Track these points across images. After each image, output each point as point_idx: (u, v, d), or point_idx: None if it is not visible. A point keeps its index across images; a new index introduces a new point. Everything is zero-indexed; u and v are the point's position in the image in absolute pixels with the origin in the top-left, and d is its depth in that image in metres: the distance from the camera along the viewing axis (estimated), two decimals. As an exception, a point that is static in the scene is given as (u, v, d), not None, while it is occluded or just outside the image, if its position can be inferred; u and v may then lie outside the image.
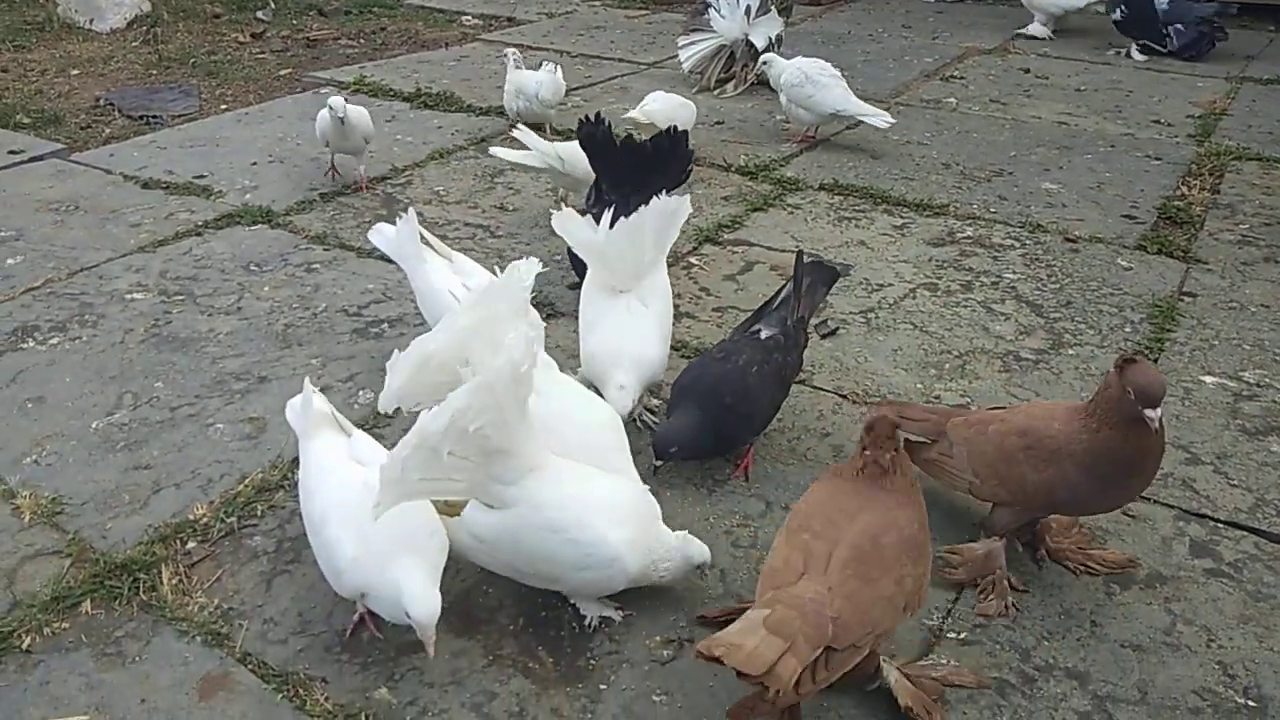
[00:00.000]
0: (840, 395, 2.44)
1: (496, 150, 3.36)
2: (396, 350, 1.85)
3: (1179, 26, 5.34)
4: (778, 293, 2.29)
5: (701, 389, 2.08)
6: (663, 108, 3.80)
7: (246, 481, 2.12)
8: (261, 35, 6.08)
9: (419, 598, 1.59)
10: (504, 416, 1.62)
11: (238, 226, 3.35)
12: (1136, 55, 5.43)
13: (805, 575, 1.49)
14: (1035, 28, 5.77)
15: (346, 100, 3.47)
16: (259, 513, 2.04)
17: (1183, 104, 4.64)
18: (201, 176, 3.76)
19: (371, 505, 1.60)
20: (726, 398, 2.05)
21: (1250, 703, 1.63)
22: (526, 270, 1.91)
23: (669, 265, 3.02)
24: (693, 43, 4.71)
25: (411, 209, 2.42)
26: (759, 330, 2.20)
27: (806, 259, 2.28)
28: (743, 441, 2.18)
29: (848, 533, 1.53)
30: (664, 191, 2.31)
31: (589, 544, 1.69)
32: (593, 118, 2.85)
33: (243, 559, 1.93)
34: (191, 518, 2.02)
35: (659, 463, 2.06)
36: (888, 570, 1.50)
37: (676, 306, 2.81)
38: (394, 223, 2.45)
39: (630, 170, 2.74)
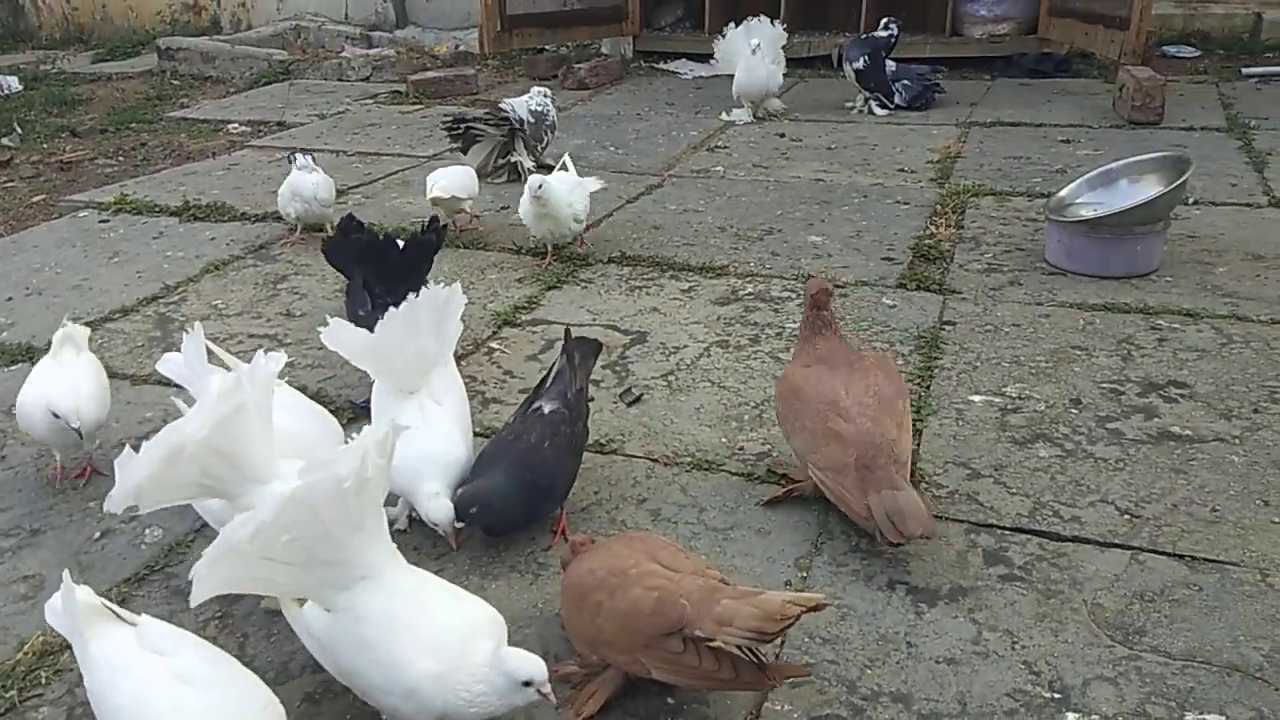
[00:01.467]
0: (652, 460, 2.49)
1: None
2: (129, 446, 1.75)
3: (906, 83, 5.95)
4: (549, 371, 2.37)
5: (503, 467, 2.13)
6: (454, 181, 3.92)
7: (26, 648, 1.92)
8: (9, 163, 5.69)
9: None
10: (327, 530, 1.53)
11: (15, 367, 3.09)
12: (878, 110, 5.93)
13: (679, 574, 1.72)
14: (738, 114, 5.89)
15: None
16: (43, 680, 1.86)
17: (922, 151, 5.09)
18: (-51, 318, 3.45)
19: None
20: (528, 474, 2.11)
21: (1055, 695, 1.75)
22: (272, 363, 1.90)
23: (470, 353, 3.04)
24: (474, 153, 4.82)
25: (197, 324, 2.25)
26: (540, 407, 2.24)
27: (573, 336, 2.39)
28: (546, 514, 2.22)
29: (652, 553, 1.77)
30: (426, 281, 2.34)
31: (390, 668, 1.56)
32: (344, 221, 2.82)
33: (28, 735, 1.75)
34: (-37, 699, 1.81)
35: (460, 524, 2.07)
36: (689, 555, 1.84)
37: (481, 393, 2.81)
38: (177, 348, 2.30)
39: (398, 266, 2.72)
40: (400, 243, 2.87)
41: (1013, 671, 1.81)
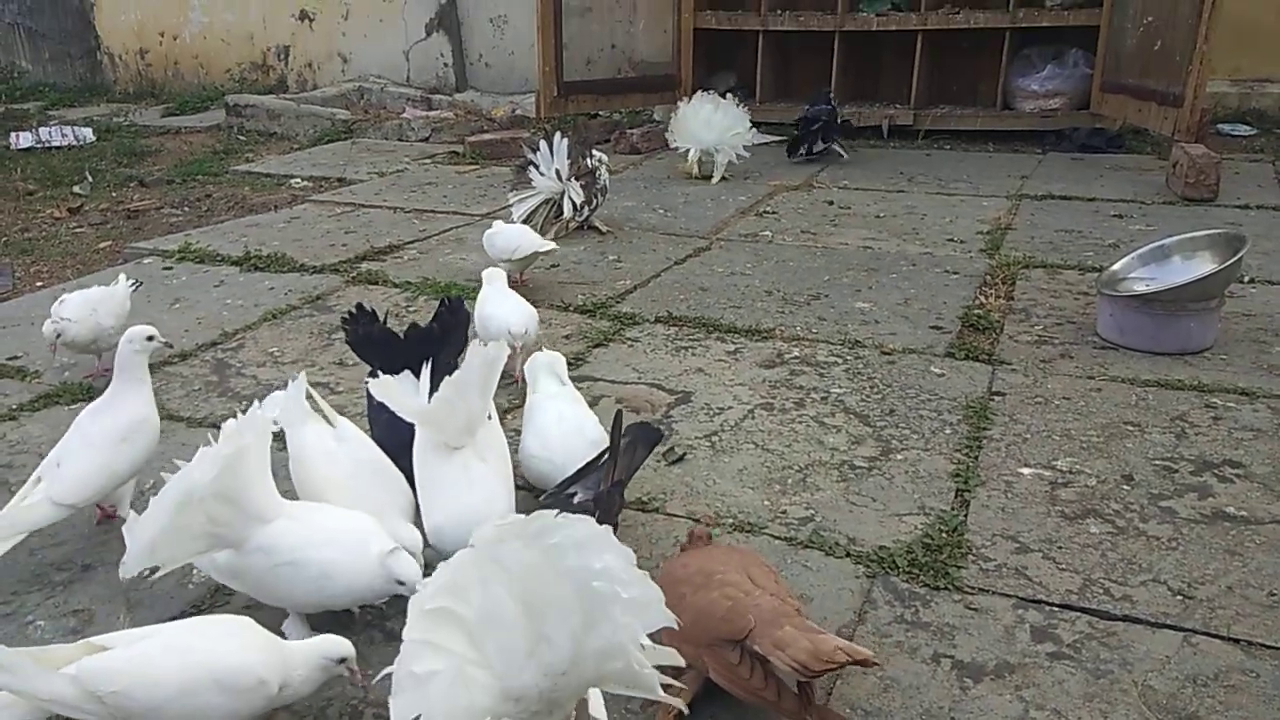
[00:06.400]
0: (694, 520, 2.48)
1: None
2: (133, 512, 1.89)
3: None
4: (603, 453, 2.28)
5: None
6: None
7: (72, 681, 1.95)
8: (79, 209, 5.91)
9: None
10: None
11: (57, 406, 3.18)
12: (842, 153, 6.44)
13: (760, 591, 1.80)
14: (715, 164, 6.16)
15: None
16: (88, 713, 1.88)
17: (972, 222, 5.09)
18: (15, 358, 3.57)
19: None
20: None
21: (1103, 777, 1.71)
22: (271, 404, 2.13)
23: (516, 407, 3.08)
24: (522, 199, 4.89)
25: (302, 373, 2.37)
26: (574, 493, 2.18)
27: (628, 420, 2.32)
28: None
29: (744, 566, 1.88)
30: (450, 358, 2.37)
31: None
32: (354, 313, 2.69)
33: (70, 767, 1.76)
34: (9, 728, 1.84)
35: None
36: (779, 579, 1.92)
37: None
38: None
39: (415, 356, 2.59)
40: (401, 335, 2.71)
41: (1060, 752, 1.76)
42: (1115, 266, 3.69)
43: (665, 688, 1.46)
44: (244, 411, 2.00)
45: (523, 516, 1.39)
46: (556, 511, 1.37)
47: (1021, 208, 5.36)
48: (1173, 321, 3.37)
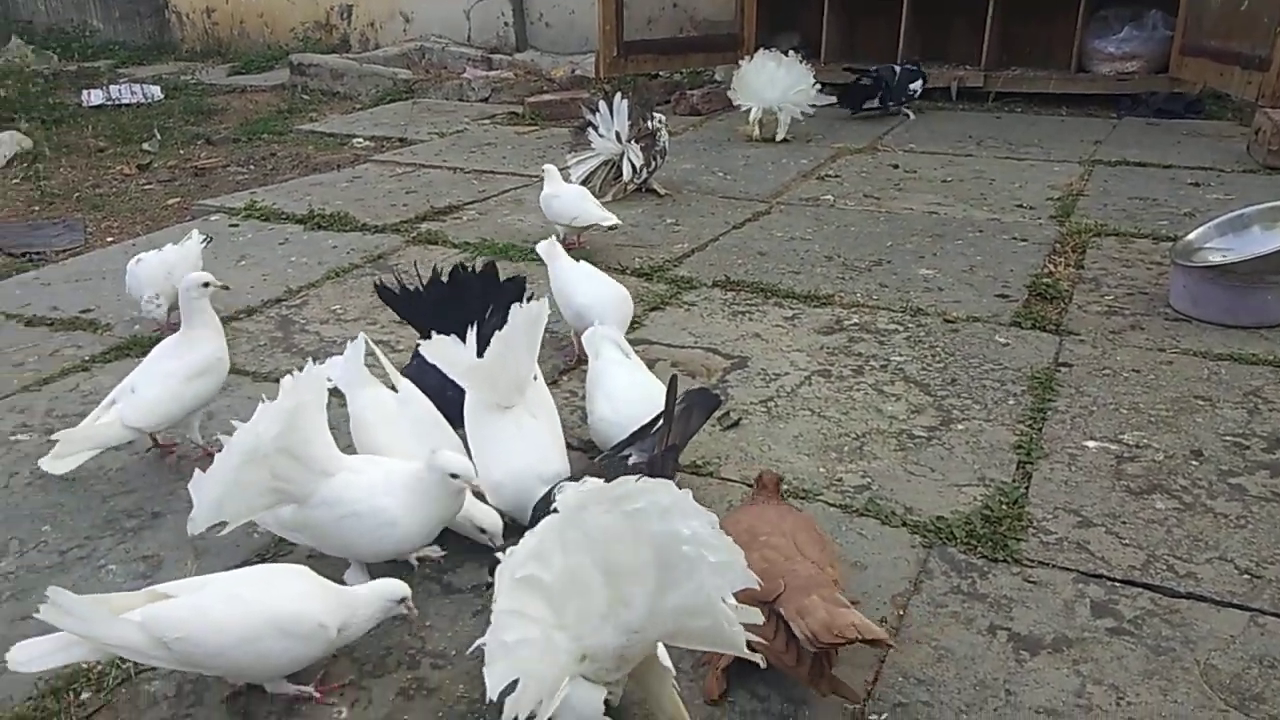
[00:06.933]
0: (748, 485, 2.47)
1: None
2: (198, 470, 1.91)
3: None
4: (658, 416, 2.25)
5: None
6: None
7: (143, 624, 2.02)
8: (148, 166, 6.03)
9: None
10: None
11: (128, 359, 3.26)
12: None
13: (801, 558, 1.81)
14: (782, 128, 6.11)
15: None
16: (157, 656, 1.95)
17: (1042, 188, 4.97)
18: (88, 310, 3.67)
19: None
20: None
21: (1161, 756, 1.68)
22: (330, 365, 2.15)
23: (571, 368, 3.09)
24: (581, 160, 4.87)
25: (361, 334, 2.43)
26: (629, 455, 2.19)
27: (685, 387, 2.29)
28: None
29: (793, 531, 1.89)
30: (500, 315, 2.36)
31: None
32: (381, 282, 2.75)
33: (141, 706, 1.83)
34: (85, 666, 1.91)
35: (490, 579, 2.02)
36: (826, 547, 1.93)
37: (581, 408, 2.83)
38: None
39: (449, 310, 2.58)
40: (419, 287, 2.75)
41: (1117, 729, 1.73)
42: (1191, 236, 3.57)
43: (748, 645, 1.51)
44: (303, 367, 2.04)
45: (601, 482, 1.44)
46: (638, 476, 1.42)
47: (1094, 174, 5.21)
48: (1250, 294, 3.26)
